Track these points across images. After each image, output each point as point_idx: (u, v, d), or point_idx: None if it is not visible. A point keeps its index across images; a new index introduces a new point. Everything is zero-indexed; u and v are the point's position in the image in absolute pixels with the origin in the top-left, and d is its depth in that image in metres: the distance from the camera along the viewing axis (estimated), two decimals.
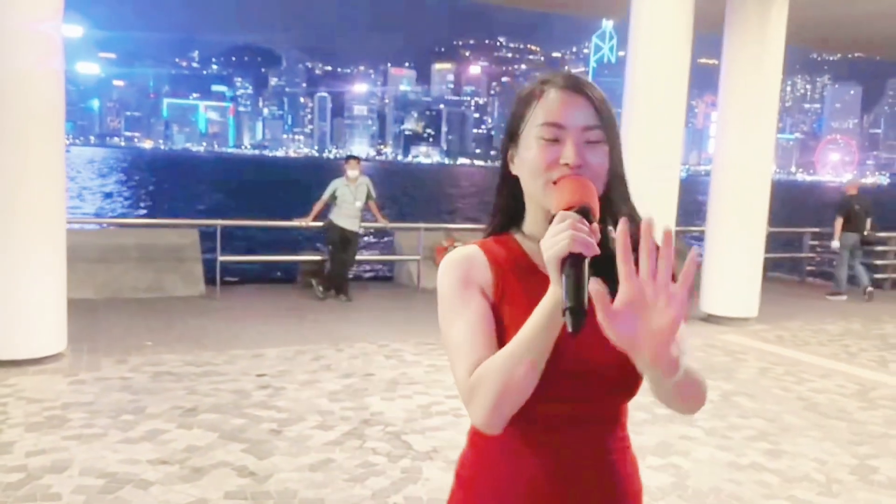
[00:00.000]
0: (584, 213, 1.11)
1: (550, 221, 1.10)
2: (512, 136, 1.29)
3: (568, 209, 1.11)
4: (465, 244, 1.33)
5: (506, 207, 1.35)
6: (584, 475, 1.28)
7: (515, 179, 1.30)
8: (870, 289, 11.01)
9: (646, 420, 5.02)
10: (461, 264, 1.27)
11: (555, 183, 1.20)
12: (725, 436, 4.81)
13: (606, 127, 1.25)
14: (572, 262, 1.04)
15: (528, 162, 1.25)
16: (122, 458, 3.99)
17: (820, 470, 4.32)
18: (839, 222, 11.09)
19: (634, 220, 1.26)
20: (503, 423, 1.17)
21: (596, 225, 1.11)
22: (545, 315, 1.11)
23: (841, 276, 11.12)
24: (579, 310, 1.02)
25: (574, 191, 1.15)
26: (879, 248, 12.64)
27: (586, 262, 1.05)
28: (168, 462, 3.97)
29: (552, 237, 1.07)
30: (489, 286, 1.26)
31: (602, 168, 1.24)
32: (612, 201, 1.29)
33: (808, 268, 13.12)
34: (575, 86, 1.25)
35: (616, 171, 1.29)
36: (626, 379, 1.23)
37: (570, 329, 1.02)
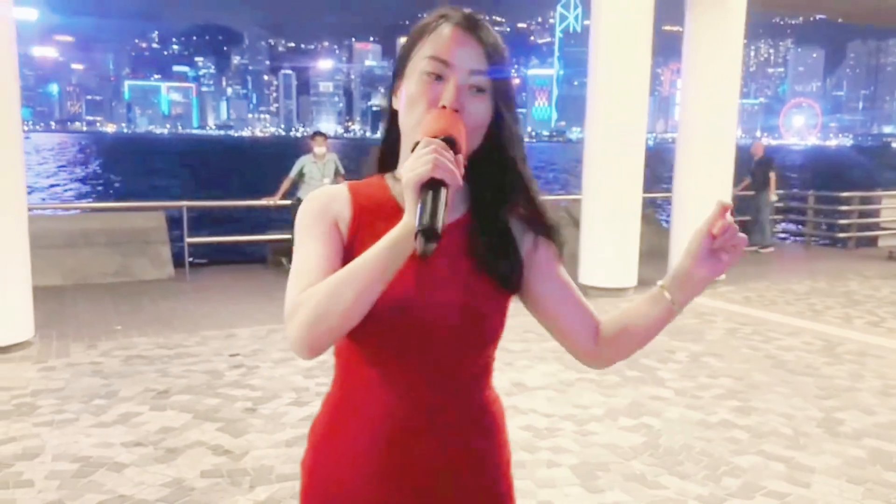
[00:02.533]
0: (450, 143, 1.04)
1: (413, 149, 1.05)
2: (400, 67, 1.22)
3: (434, 138, 1.05)
4: None
5: (384, 148, 1.28)
6: (426, 436, 1.21)
7: (395, 119, 1.23)
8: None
9: (617, 382, 5.10)
10: (320, 199, 1.23)
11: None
12: (695, 395, 4.90)
13: (495, 77, 1.17)
14: (431, 187, 0.99)
15: (407, 95, 1.17)
16: (96, 442, 3.96)
17: (788, 424, 4.42)
18: (773, 179, 11.80)
19: (535, 204, 1.28)
20: (316, 348, 1.09)
21: (461, 157, 1.04)
22: (390, 242, 1.04)
23: (769, 229, 11.91)
24: (432, 232, 0.96)
25: (441, 120, 1.09)
26: (843, 207, 12.90)
27: (445, 190, 0.99)
28: (142, 444, 3.95)
29: (414, 161, 1.01)
30: (345, 223, 1.20)
31: (481, 120, 1.17)
32: (506, 179, 1.23)
33: (774, 230, 13.34)
34: (470, 25, 1.17)
35: (503, 133, 1.21)
36: (474, 332, 1.20)
37: (419, 252, 0.97)
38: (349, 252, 1.17)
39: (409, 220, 1.01)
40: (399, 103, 1.21)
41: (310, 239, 1.19)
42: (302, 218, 1.22)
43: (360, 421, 1.22)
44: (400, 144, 1.23)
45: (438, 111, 1.12)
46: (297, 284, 1.14)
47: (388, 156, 1.27)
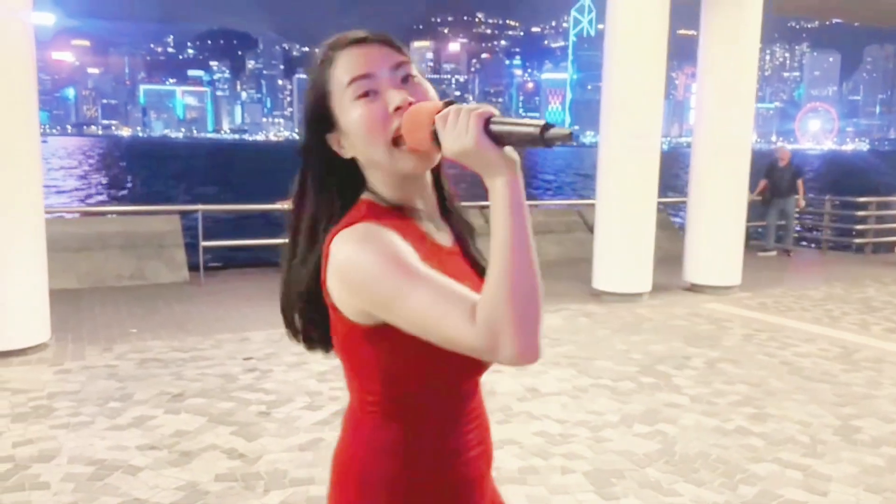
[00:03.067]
0: (451, 104, 1.05)
1: (436, 142, 1.04)
2: (324, 121, 1.16)
3: (435, 115, 1.04)
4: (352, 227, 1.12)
5: (337, 197, 1.19)
6: (476, 447, 1.25)
7: (342, 164, 1.18)
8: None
9: (632, 389, 5.07)
10: (375, 233, 1.08)
11: (394, 140, 1.11)
12: (711, 402, 4.87)
13: (410, 62, 1.16)
14: (497, 120, 1.00)
15: (356, 130, 1.12)
16: (111, 445, 3.98)
17: (805, 432, 4.38)
18: (801, 185, 11.82)
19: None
20: (538, 342, 0.99)
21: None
22: (508, 204, 1.00)
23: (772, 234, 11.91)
24: (545, 124, 0.95)
25: (423, 108, 1.07)
26: (860, 213, 12.81)
27: (498, 117, 1.00)
28: (157, 447, 3.96)
29: (453, 132, 1.00)
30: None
31: (433, 97, 1.15)
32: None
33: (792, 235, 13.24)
34: (358, 38, 1.15)
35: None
36: None
37: (564, 135, 0.94)
38: None
39: (503, 172, 1.00)
40: (351, 148, 1.16)
41: (416, 267, 1.05)
42: (378, 253, 1.05)
43: (418, 452, 1.19)
44: (352, 183, 1.19)
45: (404, 110, 1.09)
46: (458, 312, 1.00)
47: (343, 197, 1.19)
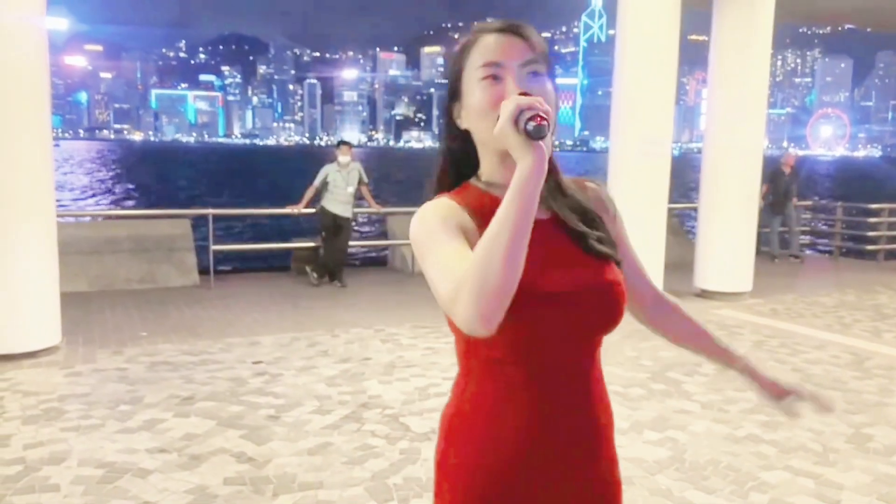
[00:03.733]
0: (524, 95, 1.17)
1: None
2: (454, 92, 1.31)
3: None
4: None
5: (456, 164, 1.36)
6: (573, 419, 1.31)
7: (466, 134, 1.32)
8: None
9: (642, 395, 5.05)
10: (437, 208, 1.25)
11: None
12: (722, 409, 4.84)
13: (545, 62, 1.28)
14: (526, 115, 1.10)
15: (473, 107, 1.26)
16: (121, 448, 3.99)
17: (816, 440, 4.34)
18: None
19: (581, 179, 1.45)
20: (491, 319, 1.09)
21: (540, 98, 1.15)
22: (517, 188, 1.09)
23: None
24: (540, 116, 1.08)
25: (509, 95, 1.20)
26: (872, 219, 12.73)
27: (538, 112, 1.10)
28: (166, 450, 3.97)
29: (501, 114, 1.12)
30: (469, 229, 1.23)
31: (549, 98, 1.24)
32: None
33: (802, 241, 13.17)
34: (508, 28, 1.27)
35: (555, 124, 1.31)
36: (613, 305, 1.30)
37: (533, 129, 1.08)
38: None
39: (522, 160, 1.09)
40: (466, 120, 1.30)
41: (444, 239, 1.19)
42: (425, 225, 1.23)
43: (514, 415, 1.27)
44: (469, 158, 1.34)
45: (511, 97, 1.18)
46: (445, 278, 1.14)
47: (453, 170, 1.36)
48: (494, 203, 1.24)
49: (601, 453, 1.36)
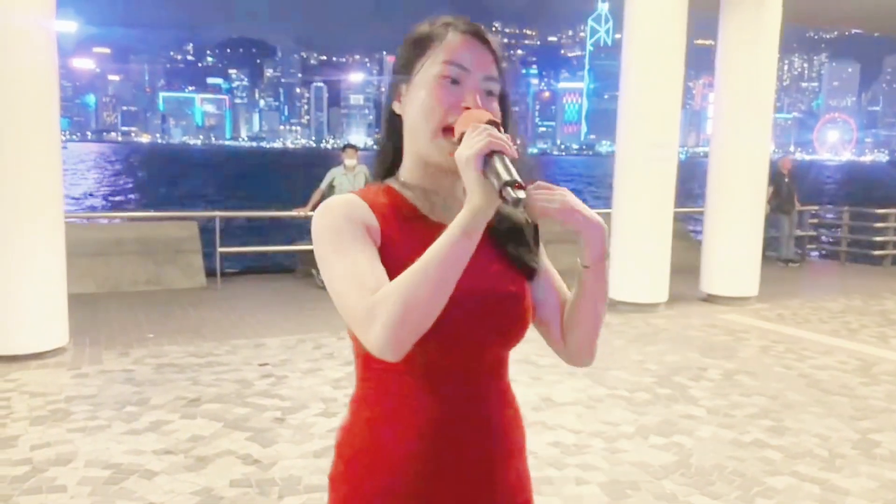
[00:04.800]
0: (495, 125, 1.11)
1: (459, 140, 1.09)
2: (404, 74, 1.24)
3: (476, 125, 1.10)
4: None
5: (393, 151, 1.29)
6: (468, 433, 1.23)
7: (397, 124, 1.26)
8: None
9: (648, 400, 5.04)
10: (341, 206, 1.19)
11: (444, 129, 1.18)
12: (728, 414, 4.83)
13: (503, 83, 1.23)
14: (497, 157, 1.04)
15: (421, 100, 1.20)
16: (127, 449, 4.00)
17: (823, 445, 4.33)
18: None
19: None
20: (403, 347, 1.06)
21: (508, 134, 1.10)
22: (462, 224, 1.05)
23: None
24: (515, 182, 1.02)
25: (479, 112, 1.14)
26: (879, 224, 12.70)
27: (507, 157, 1.05)
28: (173, 452, 3.98)
29: (468, 141, 1.06)
30: (374, 231, 1.18)
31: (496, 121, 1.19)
32: None
33: (809, 246, 13.14)
34: (479, 33, 1.22)
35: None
36: (512, 317, 1.23)
37: (512, 199, 1.01)
38: (381, 258, 1.17)
39: (476, 197, 1.05)
40: (406, 108, 1.23)
41: (351, 242, 1.15)
42: (331, 224, 1.17)
43: (404, 428, 1.21)
44: (395, 150, 1.28)
45: (468, 110, 1.16)
46: (359, 288, 1.09)
47: (384, 164, 1.30)
48: (406, 206, 1.24)
49: (501, 472, 1.27)
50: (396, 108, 1.26)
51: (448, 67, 1.19)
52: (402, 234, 1.19)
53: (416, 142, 1.22)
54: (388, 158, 1.30)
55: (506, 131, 1.19)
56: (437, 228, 1.13)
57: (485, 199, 1.04)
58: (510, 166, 1.03)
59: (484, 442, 1.24)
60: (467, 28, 1.22)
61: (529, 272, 1.28)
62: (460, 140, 1.09)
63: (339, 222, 1.16)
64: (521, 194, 1.02)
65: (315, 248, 1.18)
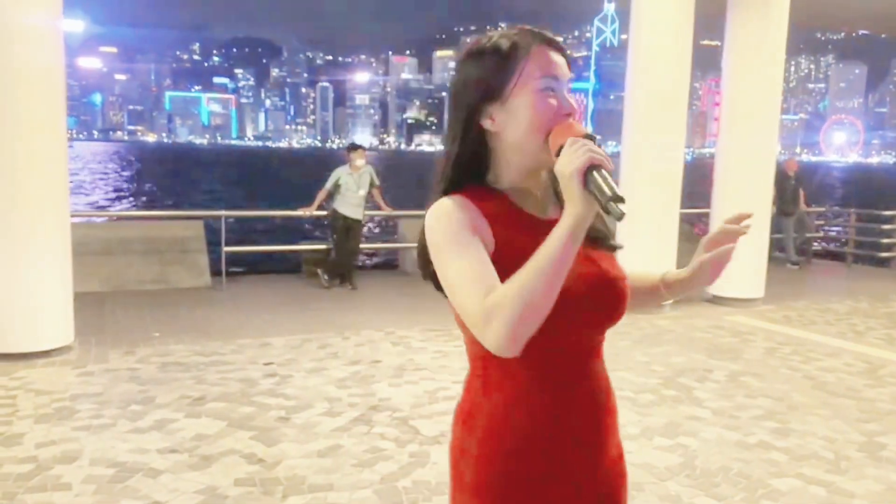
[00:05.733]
0: (591, 139, 1.20)
1: (557, 153, 1.19)
2: (495, 93, 1.29)
3: (573, 137, 1.20)
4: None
5: (467, 164, 1.34)
6: (586, 412, 1.34)
7: (483, 136, 1.32)
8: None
9: (653, 401, 5.03)
10: (454, 207, 1.26)
11: (548, 135, 1.27)
12: (733, 415, 4.81)
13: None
14: (597, 172, 1.14)
15: (526, 116, 1.27)
16: (132, 448, 4.01)
17: (828, 448, 4.32)
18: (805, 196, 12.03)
19: None
20: (521, 343, 1.15)
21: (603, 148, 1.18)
22: (567, 230, 1.14)
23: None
24: (619, 197, 1.11)
25: (576, 125, 1.25)
26: (886, 226, 12.65)
27: (605, 171, 1.14)
28: (177, 451, 3.99)
29: (569, 157, 1.15)
30: (485, 230, 1.26)
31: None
32: None
33: (814, 248, 13.10)
34: (556, 42, 1.32)
35: None
36: (617, 301, 1.34)
37: (618, 214, 1.10)
38: (495, 257, 1.24)
39: (579, 207, 1.14)
40: (504, 125, 1.30)
41: (467, 246, 1.22)
42: (444, 224, 1.25)
43: (533, 411, 1.30)
44: (480, 159, 1.34)
45: (565, 121, 1.27)
46: (476, 291, 1.17)
47: (466, 171, 1.34)
48: (513, 209, 1.31)
49: (610, 447, 1.38)
50: (489, 126, 1.31)
51: (545, 81, 1.28)
52: (510, 233, 1.28)
53: (524, 153, 1.30)
54: (462, 169, 1.34)
55: None
56: (544, 224, 1.23)
57: (587, 209, 1.14)
58: (611, 181, 1.13)
59: (599, 420, 1.35)
60: (549, 40, 1.31)
61: (614, 249, 1.41)
62: (558, 152, 1.19)
63: (457, 226, 1.24)
64: (625, 209, 1.11)
65: (430, 248, 1.26)
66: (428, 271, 1.34)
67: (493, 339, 1.15)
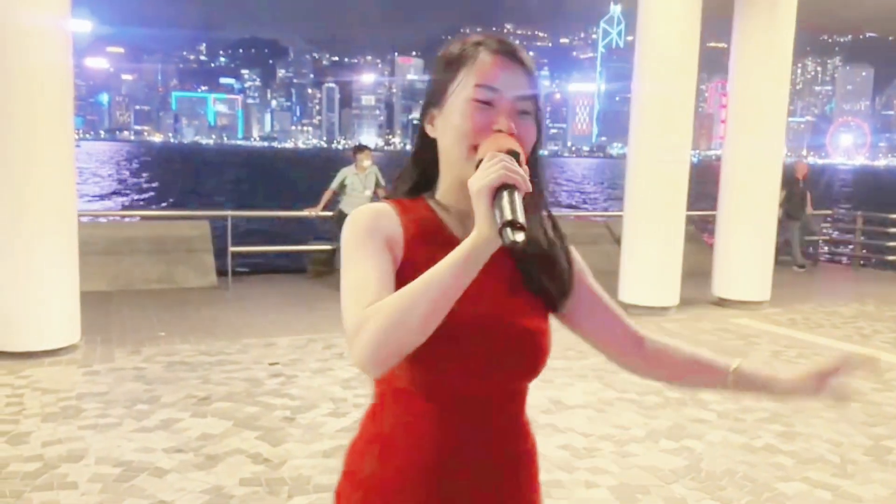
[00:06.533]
0: (514, 156, 1.07)
1: (477, 166, 1.07)
2: (437, 97, 1.22)
3: (495, 152, 1.08)
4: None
5: (418, 173, 1.29)
6: (481, 464, 1.22)
7: (432, 145, 1.25)
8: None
9: (658, 403, 5.02)
10: (369, 216, 1.20)
11: (474, 149, 1.16)
12: (738, 418, 4.80)
13: (536, 99, 1.21)
14: (507, 192, 1.02)
15: (454, 125, 1.18)
16: (138, 447, 4.02)
17: (834, 451, 4.30)
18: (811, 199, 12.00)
19: (546, 208, 1.30)
20: (384, 365, 1.06)
21: (526, 168, 1.07)
22: (466, 252, 1.03)
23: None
24: (516, 224, 0.98)
25: (501, 139, 1.12)
26: (893, 229, 12.61)
27: (518, 192, 1.02)
28: (183, 450, 4.00)
29: (483, 171, 1.03)
30: (398, 245, 1.19)
31: (531, 142, 1.20)
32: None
33: (821, 250, 13.06)
34: (511, 51, 1.20)
35: (536, 154, 1.25)
36: (535, 350, 1.22)
37: (508, 241, 0.98)
38: (400, 274, 1.16)
39: (483, 228, 1.02)
40: (439, 132, 1.22)
41: (365, 254, 1.15)
42: (353, 232, 1.18)
43: (413, 452, 1.21)
44: (431, 169, 1.27)
45: (496, 134, 1.14)
46: (357, 301, 1.09)
47: (417, 180, 1.29)
48: (435, 224, 1.23)
49: (509, 499, 1.26)
50: (429, 131, 1.25)
51: (479, 90, 1.17)
52: (426, 250, 1.18)
53: (451, 164, 1.21)
54: (412, 178, 1.30)
55: (539, 148, 1.23)
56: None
57: (492, 231, 1.01)
58: (517, 204, 1.01)
59: (497, 474, 1.23)
60: (499, 48, 1.19)
61: (554, 304, 1.28)
62: (479, 165, 1.07)
63: (362, 232, 1.17)
64: (520, 237, 0.98)
65: (341, 251, 1.21)
66: None
67: (357, 353, 1.05)
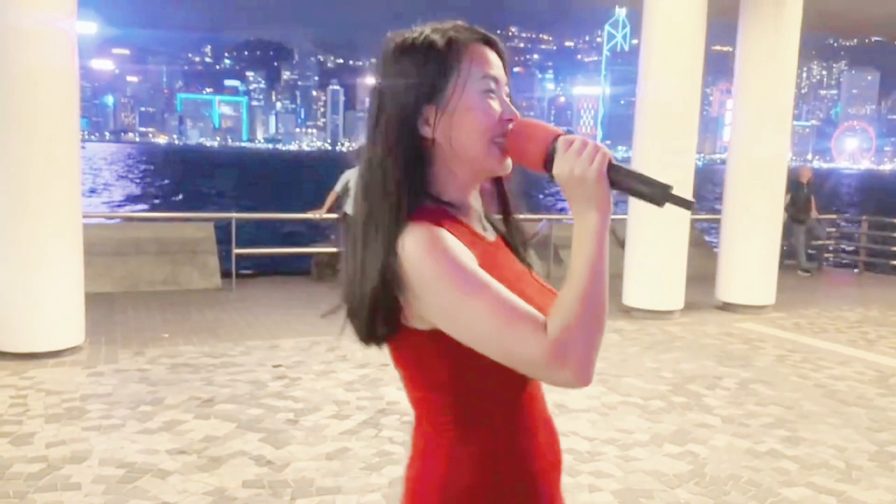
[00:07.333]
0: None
1: (514, 153, 1.13)
2: (433, 94, 1.13)
3: (556, 138, 1.10)
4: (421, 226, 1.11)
5: (412, 179, 1.15)
6: (550, 459, 1.27)
7: (417, 143, 1.15)
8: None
9: (662, 408, 5.01)
10: (443, 236, 1.09)
11: (503, 136, 1.15)
12: (743, 423, 4.79)
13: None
14: (619, 168, 1.08)
15: (473, 120, 1.14)
16: (141, 449, 4.02)
17: (839, 456, 4.29)
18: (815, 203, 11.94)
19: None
20: (594, 368, 1.06)
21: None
22: (600, 234, 1.06)
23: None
24: (669, 186, 1.05)
25: (541, 124, 1.14)
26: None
27: (626, 166, 1.09)
28: (186, 452, 4.00)
29: (574, 160, 1.06)
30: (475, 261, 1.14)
31: None
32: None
33: (826, 255, 13.03)
34: (494, 41, 1.20)
35: None
36: None
37: (687, 203, 1.05)
38: None
39: (604, 207, 1.06)
40: (440, 129, 1.14)
41: (484, 279, 1.07)
42: (448, 259, 1.07)
43: (526, 461, 1.23)
44: (425, 171, 1.17)
45: (529, 123, 1.16)
46: (527, 329, 1.03)
47: (413, 188, 1.14)
48: (466, 229, 1.17)
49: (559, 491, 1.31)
50: (426, 131, 1.15)
51: (486, 81, 1.16)
52: (482, 259, 1.13)
53: (468, 160, 1.16)
54: (411, 187, 1.14)
55: None
56: (491, 248, 1.19)
57: (608, 209, 1.07)
58: (633, 170, 1.08)
59: (558, 465, 1.30)
60: (485, 38, 1.19)
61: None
62: (517, 154, 1.13)
63: (458, 254, 1.08)
64: (689, 197, 1.06)
65: (421, 288, 1.07)
66: (378, 324, 1.20)
67: (572, 375, 1.02)
